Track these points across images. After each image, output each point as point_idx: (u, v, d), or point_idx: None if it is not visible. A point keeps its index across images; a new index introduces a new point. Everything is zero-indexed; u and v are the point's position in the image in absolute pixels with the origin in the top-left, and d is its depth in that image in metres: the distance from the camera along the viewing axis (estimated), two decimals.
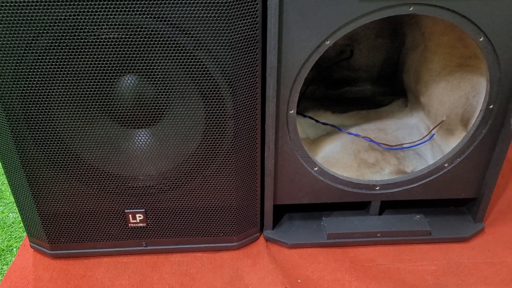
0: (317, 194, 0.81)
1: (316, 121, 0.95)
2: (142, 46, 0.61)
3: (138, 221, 0.78)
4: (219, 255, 0.82)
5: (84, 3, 0.58)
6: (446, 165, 0.80)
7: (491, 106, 0.74)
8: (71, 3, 0.57)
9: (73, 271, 0.79)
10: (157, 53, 0.62)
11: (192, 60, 0.63)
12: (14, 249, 0.84)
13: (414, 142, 0.91)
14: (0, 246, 0.85)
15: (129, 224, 0.78)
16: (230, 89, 0.66)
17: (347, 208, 0.87)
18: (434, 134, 0.89)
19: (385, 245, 0.83)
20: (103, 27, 0.59)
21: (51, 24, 0.59)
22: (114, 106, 0.67)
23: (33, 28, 0.59)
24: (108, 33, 0.60)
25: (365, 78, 1.10)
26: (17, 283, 0.76)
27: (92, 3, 0.58)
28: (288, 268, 0.79)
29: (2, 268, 0.81)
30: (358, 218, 0.85)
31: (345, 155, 0.87)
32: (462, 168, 0.80)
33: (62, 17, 0.58)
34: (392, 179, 0.81)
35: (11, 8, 0.57)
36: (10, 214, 0.93)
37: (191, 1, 0.58)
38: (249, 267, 0.79)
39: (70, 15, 0.58)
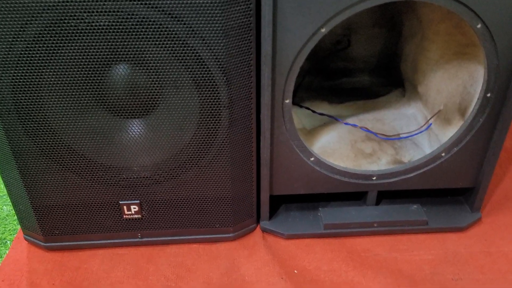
0: (313, 184, 0.80)
1: (313, 111, 0.95)
2: (134, 33, 0.60)
3: (133, 212, 0.77)
4: (215, 246, 0.81)
5: None
6: (443, 154, 0.79)
7: (488, 95, 0.73)
8: None
9: (67, 263, 0.78)
10: (149, 41, 0.61)
11: (185, 48, 0.62)
12: (8, 242, 0.84)
13: (411, 132, 0.91)
14: None
15: (124, 216, 0.77)
16: (224, 78, 0.65)
17: (344, 199, 0.86)
18: (431, 123, 0.88)
19: (382, 235, 0.83)
20: (94, 13, 0.58)
21: (41, 11, 0.58)
22: (107, 95, 0.66)
23: (22, 16, 0.58)
24: (99, 20, 0.59)
25: (362, 68, 1.09)
26: (11, 276, 0.75)
27: None
28: (284, 259, 0.78)
29: None
30: (355, 209, 0.84)
31: (342, 145, 0.87)
32: (459, 157, 0.79)
33: (52, 4, 0.57)
34: (389, 169, 0.80)
35: None
36: (4, 207, 0.92)
37: None
38: (246, 258, 0.78)
39: (59, 2, 0.57)
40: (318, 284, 0.73)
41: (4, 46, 0.60)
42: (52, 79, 0.64)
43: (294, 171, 0.78)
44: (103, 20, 0.59)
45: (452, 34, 0.80)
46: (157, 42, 0.61)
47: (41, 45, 0.60)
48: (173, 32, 0.60)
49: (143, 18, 0.59)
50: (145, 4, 0.58)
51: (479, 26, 0.66)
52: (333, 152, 0.85)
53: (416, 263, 0.77)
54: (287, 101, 0.71)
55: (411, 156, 0.86)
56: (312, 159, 0.77)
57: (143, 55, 0.62)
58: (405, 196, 0.87)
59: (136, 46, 0.62)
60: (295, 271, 0.76)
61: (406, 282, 0.74)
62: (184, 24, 0.59)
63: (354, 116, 0.95)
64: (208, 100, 0.67)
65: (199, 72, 0.64)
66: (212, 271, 0.76)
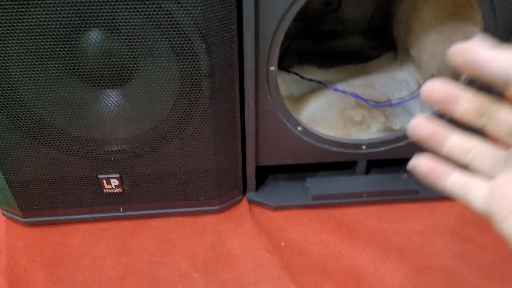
0: (301, 154, 0.77)
1: (301, 77, 0.90)
2: None
3: (113, 186, 0.74)
4: (200, 219, 0.79)
5: None
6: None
7: None
8: None
9: (48, 239, 0.76)
10: (121, 5, 0.56)
11: (160, 13, 0.57)
12: None
13: (403, 98, 0.87)
14: None
15: (104, 190, 0.74)
16: (204, 45, 0.61)
17: (333, 168, 0.84)
18: None
19: (371, 205, 0.81)
20: None
21: None
22: (78, 64, 0.61)
23: None
24: None
25: (353, 30, 1.04)
26: None
27: None
28: (271, 231, 0.76)
29: None
30: (344, 178, 0.82)
31: (331, 113, 0.83)
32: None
33: None
34: (379, 138, 0.77)
35: None
36: None
37: None
38: (232, 231, 0.76)
39: None
40: (306, 256, 0.72)
41: None
42: (18, 49, 0.59)
43: (280, 141, 0.75)
44: None
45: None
46: (129, 6, 0.56)
47: (3, 10, 0.55)
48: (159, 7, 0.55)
49: None
50: None
51: None
52: (322, 121, 0.82)
53: (406, 234, 0.76)
54: (272, 68, 0.67)
55: (403, 124, 0.83)
56: (299, 128, 0.74)
57: (115, 21, 0.58)
58: (396, 164, 0.84)
59: (107, 11, 0.57)
60: (282, 243, 0.74)
61: (395, 253, 0.72)
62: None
63: (344, 82, 0.91)
64: (187, 69, 0.63)
65: (176, 39, 0.60)
66: (198, 244, 0.74)
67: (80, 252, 0.73)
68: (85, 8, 0.56)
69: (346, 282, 0.68)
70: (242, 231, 0.76)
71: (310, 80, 0.89)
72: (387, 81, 0.92)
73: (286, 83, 0.90)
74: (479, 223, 0.77)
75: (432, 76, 0.83)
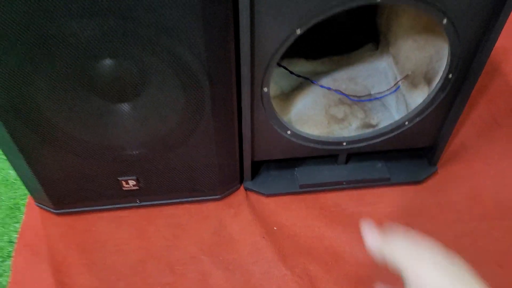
0: (290, 151, 0.89)
1: (290, 72, 1.00)
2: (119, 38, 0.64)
3: (131, 186, 0.87)
4: (205, 206, 0.93)
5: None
6: (406, 123, 0.88)
7: (450, 76, 0.79)
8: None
9: (78, 226, 0.90)
10: (137, 44, 0.65)
11: (173, 56, 0.66)
12: (21, 207, 0.94)
13: (381, 92, 0.98)
14: (8, 204, 0.95)
15: (123, 188, 0.87)
16: (208, 79, 0.70)
17: (318, 157, 0.97)
18: (399, 86, 0.95)
19: (350, 190, 0.95)
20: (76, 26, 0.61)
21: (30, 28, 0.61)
22: (96, 84, 0.70)
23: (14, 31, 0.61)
24: (83, 31, 0.62)
25: (339, 19, 1.10)
26: (32, 241, 0.87)
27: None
28: (265, 216, 0.91)
29: (14, 226, 0.91)
30: (327, 168, 0.95)
31: (316, 111, 0.94)
32: (420, 125, 0.88)
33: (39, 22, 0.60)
34: (358, 136, 0.89)
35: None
36: (10, 171, 1.00)
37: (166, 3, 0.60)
38: (232, 217, 0.91)
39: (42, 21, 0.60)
40: (294, 239, 0.87)
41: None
42: (46, 82, 0.68)
43: (272, 142, 0.87)
44: (87, 31, 0.62)
45: (420, 15, 0.83)
46: (146, 49, 0.65)
47: (34, 56, 0.64)
48: (162, 44, 0.64)
49: (135, 34, 0.62)
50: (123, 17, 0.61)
51: (444, 21, 0.70)
52: (308, 119, 0.93)
53: (377, 216, 0.91)
54: (265, 89, 0.77)
55: (380, 119, 0.94)
56: (288, 132, 0.86)
57: (131, 54, 0.66)
58: (372, 154, 0.97)
59: (127, 50, 0.66)
60: (275, 228, 0.89)
61: None
62: (171, 35, 0.63)
63: (329, 76, 1.01)
64: (192, 96, 0.73)
65: (184, 76, 0.69)
66: (204, 230, 0.89)
67: (106, 238, 0.88)
68: (102, 46, 0.65)
69: (328, 261, 0.84)
70: (241, 218, 0.90)
71: (299, 76, 0.99)
72: (369, 72, 1.02)
73: (276, 78, 0.99)
74: (439, 204, 0.92)
75: (407, 76, 0.93)
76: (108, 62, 0.68)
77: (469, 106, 1.11)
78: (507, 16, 0.70)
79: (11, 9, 0.59)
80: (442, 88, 0.81)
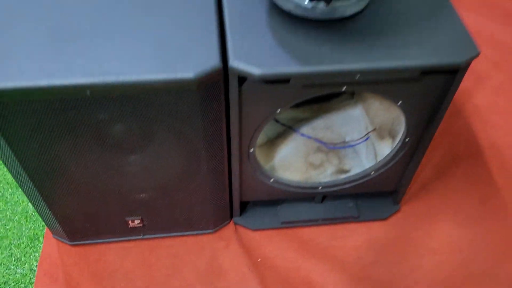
0: (273, 194, 1.04)
1: (276, 121, 1.14)
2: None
3: (136, 224, 1.01)
4: (200, 238, 1.08)
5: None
6: (372, 173, 1.03)
7: (407, 140, 0.94)
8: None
9: (90, 256, 1.05)
10: (147, 124, 0.79)
11: (177, 132, 0.80)
12: (40, 237, 1.09)
13: (354, 140, 1.13)
14: (28, 234, 1.09)
15: (129, 225, 1.02)
16: (204, 146, 0.85)
17: (297, 198, 1.12)
18: (368, 137, 1.10)
19: (325, 225, 1.10)
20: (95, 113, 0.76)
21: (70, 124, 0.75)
22: (109, 143, 0.84)
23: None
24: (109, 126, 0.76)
25: None
26: (50, 270, 1.02)
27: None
28: (252, 249, 1.06)
29: (35, 255, 1.06)
30: (305, 206, 1.11)
31: (297, 158, 1.09)
32: (384, 174, 1.03)
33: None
34: (332, 181, 1.05)
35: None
36: (30, 204, 1.14)
37: (179, 107, 0.74)
38: (222, 249, 1.06)
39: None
40: (276, 270, 1.03)
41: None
42: (69, 147, 0.82)
43: (258, 189, 1.02)
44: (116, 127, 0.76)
45: None
46: (157, 124, 0.80)
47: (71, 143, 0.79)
48: (171, 124, 0.79)
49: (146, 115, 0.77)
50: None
51: (399, 103, 0.85)
52: (289, 166, 1.08)
53: (347, 249, 1.07)
54: (251, 150, 0.92)
55: (351, 165, 1.09)
56: (272, 180, 1.01)
57: (141, 128, 0.81)
58: (345, 195, 1.13)
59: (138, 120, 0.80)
60: (259, 259, 1.05)
61: (338, 267, 1.04)
62: (177, 118, 0.78)
63: (309, 124, 1.15)
64: (191, 157, 0.87)
65: (185, 144, 0.84)
66: (199, 260, 1.04)
67: (115, 267, 1.03)
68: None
69: None
70: (231, 250, 1.06)
71: (283, 125, 1.13)
72: (344, 121, 1.17)
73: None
74: (401, 238, 1.08)
75: (375, 129, 1.07)
76: (119, 127, 0.82)
77: (431, 149, 1.26)
78: (451, 98, 0.85)
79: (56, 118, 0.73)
80: (401, 148, 0.97)
